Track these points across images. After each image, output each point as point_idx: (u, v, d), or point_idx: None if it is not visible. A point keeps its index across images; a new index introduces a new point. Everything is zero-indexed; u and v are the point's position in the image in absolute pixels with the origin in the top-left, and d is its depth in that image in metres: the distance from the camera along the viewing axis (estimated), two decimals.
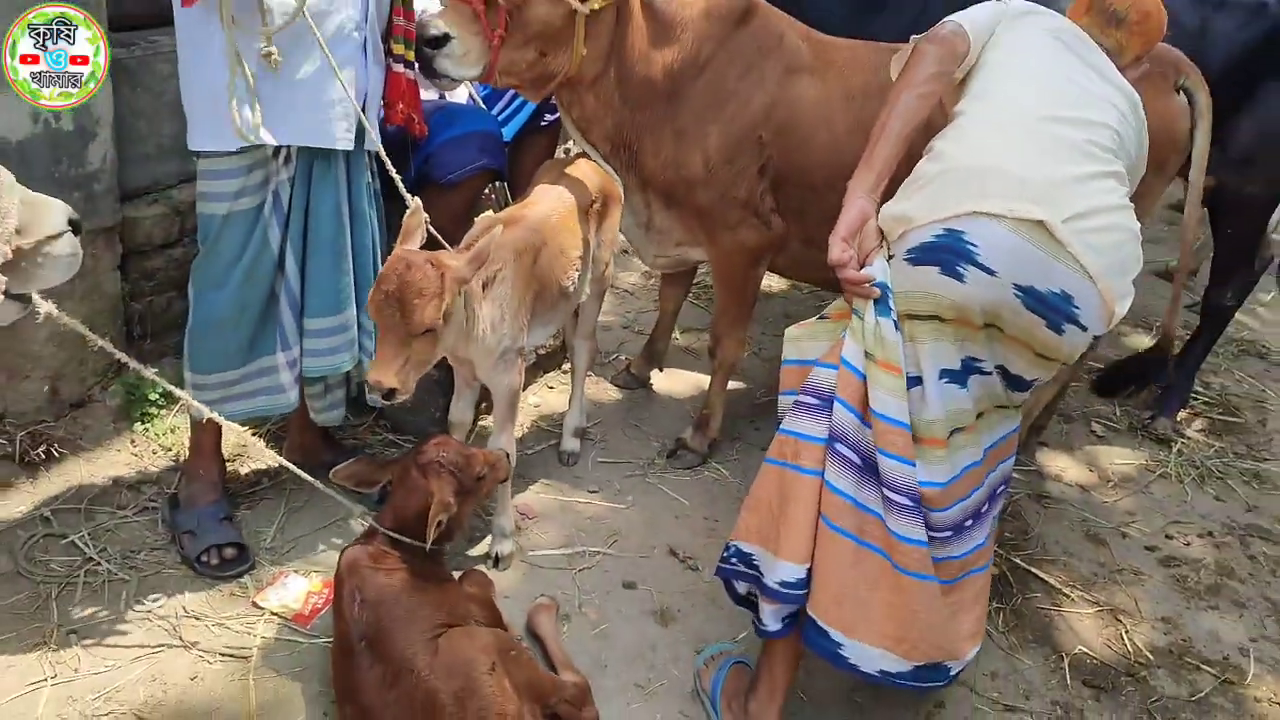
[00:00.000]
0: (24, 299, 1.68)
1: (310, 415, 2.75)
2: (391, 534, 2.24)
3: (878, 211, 2.10)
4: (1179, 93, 2.92)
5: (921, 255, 1.99)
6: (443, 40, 2.40)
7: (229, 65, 2.19)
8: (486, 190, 3.24)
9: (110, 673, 2.23)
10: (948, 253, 1.96)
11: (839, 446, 2.04)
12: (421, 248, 2.25)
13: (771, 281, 4.46)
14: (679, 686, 2.42)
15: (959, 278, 1.94)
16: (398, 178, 2.38)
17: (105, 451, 2.85)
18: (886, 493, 2.02)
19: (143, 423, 2.94)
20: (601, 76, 2.68)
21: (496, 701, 2.02)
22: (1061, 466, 3.53)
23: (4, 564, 2.46)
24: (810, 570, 2.07)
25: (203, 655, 2.31)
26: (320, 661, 2.32)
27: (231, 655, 2.32)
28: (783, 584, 2.07)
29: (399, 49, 2.46)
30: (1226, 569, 3.13)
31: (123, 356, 1.91)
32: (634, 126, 2.79)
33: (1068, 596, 2.91)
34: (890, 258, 2.06)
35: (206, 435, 2.62)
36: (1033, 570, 2.98)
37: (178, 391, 2.08)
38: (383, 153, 2.38)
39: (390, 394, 2.12)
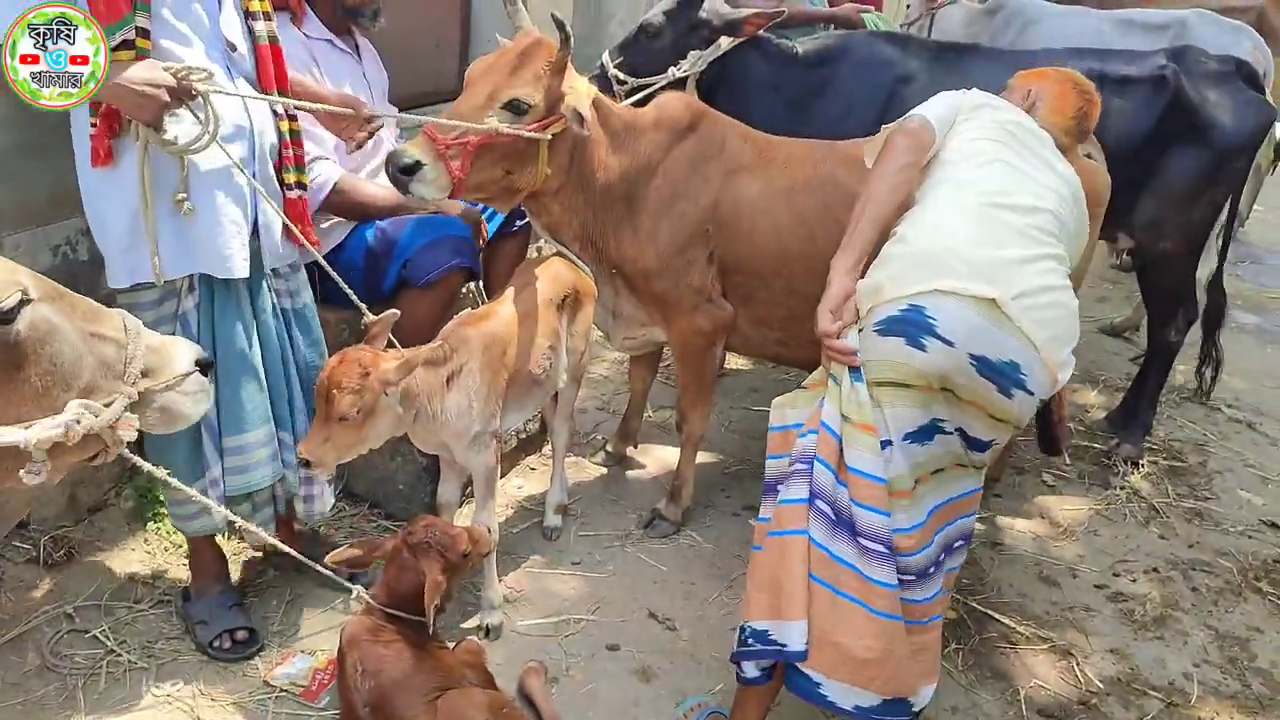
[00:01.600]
0: None
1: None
2: (388, 610, 2.45)
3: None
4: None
5: (889, 327, 2.20)
6: (415, 168, 2.67)
7: (142, 213, 2.35)
8: (464, 290, 3.52)
9: None
10: (912, 325, 2.17)
11: (818, 503, 2.23)
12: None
13: (737, 361, 4.73)
14: None
15: (921, 348, 2.16)
16: (348, 289, 2.62)
17: (121, 551, 3.06)
18: (863, 542, 2.19)
19: (154, 522, 3.16)
20: (564, 186, 2.99)
21: None
22: (1015, 515, 3.76)
23: (32, 660, 2.65)
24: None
25: None
26: None
27: None
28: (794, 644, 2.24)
29: (290, 177, 2.64)
30: (1171, 602, 3.34)
31: (140, 461, 2.02)
32: (598, 225, 3.10)
33: (1022, 635, 3.12)
34: (860, 330, 2.27)
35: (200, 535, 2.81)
36: (989, 612, 3.19)
37: (197, 496, 2.23)
38: (327, 268, 2.62)
39: (306, 464, 2.40)
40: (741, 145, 3.18)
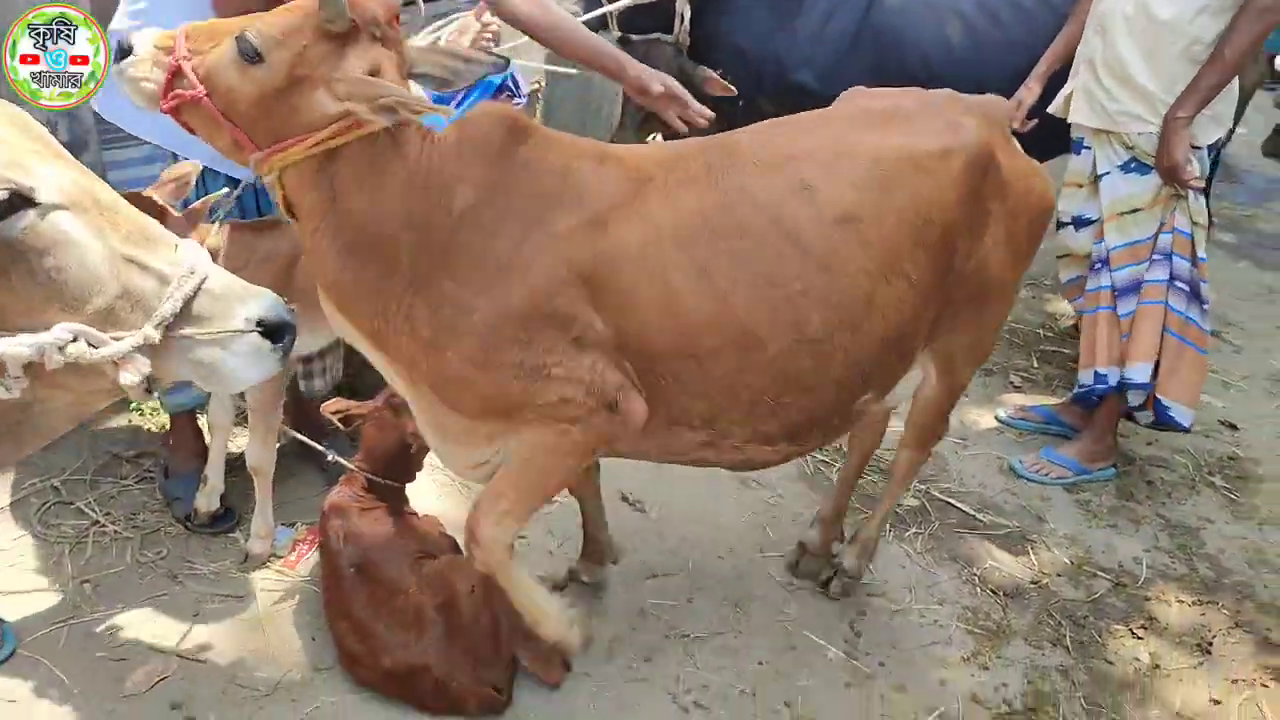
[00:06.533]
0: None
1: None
2: (367, 473, 2.53)
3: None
4: None
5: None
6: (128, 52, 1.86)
7: None
8: None
9: (122, 612, 2.52)
10: None
11: (1177, 283, 3.26)
12: None
13: None
14: (628, 608, 2.74)
15: None
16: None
17: (108, 430, 3.15)
18: (1204, 306, 3.36)
19: (139, 405, 3.24)
20: (320, 228, 1.92)
21: (471, 613, 2.35)
22: (980, 413, 3.87)
23: (21, 528, 2.75)
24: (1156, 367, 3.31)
25: (203, 596, 2.60)
26: (308, 595, 2.61)
27: (229, 595, 2.62)
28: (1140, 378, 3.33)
29: None
30: (1126, 494, 3.47)
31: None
32: (380, 294, 1.97)
33: (981, 521, 3.24)
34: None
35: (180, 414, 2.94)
36: (950, 500, 3.32)
37: None
38: None
39: None
40: (598, 172, 2.05)
